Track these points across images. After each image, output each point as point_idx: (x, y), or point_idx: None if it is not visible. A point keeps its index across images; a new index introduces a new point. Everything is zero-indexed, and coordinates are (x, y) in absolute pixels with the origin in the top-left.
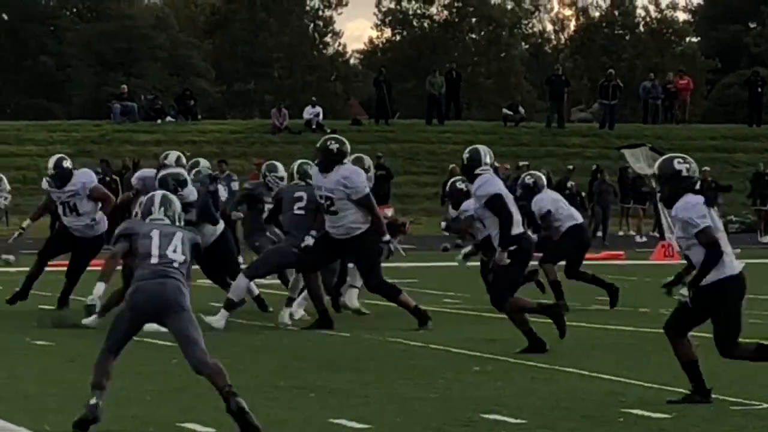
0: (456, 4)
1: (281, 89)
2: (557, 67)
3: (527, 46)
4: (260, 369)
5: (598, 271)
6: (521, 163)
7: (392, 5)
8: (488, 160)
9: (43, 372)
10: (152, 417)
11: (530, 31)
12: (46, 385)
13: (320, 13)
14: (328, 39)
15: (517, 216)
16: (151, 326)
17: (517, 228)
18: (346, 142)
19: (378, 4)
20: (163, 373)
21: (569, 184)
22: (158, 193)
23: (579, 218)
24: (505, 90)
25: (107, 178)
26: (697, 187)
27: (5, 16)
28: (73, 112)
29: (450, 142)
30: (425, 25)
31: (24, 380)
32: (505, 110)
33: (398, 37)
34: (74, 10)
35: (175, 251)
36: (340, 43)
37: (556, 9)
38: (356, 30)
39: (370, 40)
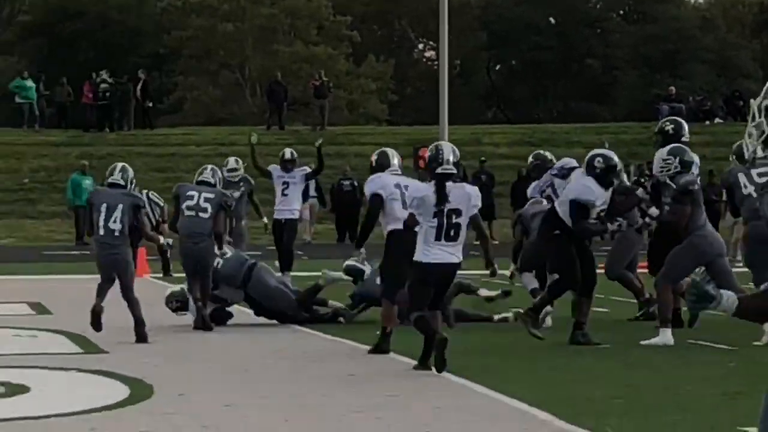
0: None
1: None
2: None
3: None
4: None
5: None
6: None
7: None
8: (452, 158)
9: (608, 374)
10: (712, 420)
11: None
12: (610, 389)
13: None
14: None
15: None
16: None
17: None
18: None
19: None
20: (723, 378)
21: None
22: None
23: None
24: None
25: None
26: None
27: (552, 20)
28: (618, 114)
29: None
30: None
31: (586, 383)
32: None
33: None
34: (620, 12)
35: (114, 222)
36: None
37: None
38: None
39: None
